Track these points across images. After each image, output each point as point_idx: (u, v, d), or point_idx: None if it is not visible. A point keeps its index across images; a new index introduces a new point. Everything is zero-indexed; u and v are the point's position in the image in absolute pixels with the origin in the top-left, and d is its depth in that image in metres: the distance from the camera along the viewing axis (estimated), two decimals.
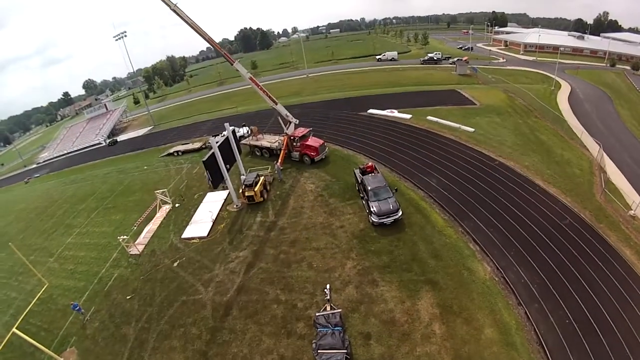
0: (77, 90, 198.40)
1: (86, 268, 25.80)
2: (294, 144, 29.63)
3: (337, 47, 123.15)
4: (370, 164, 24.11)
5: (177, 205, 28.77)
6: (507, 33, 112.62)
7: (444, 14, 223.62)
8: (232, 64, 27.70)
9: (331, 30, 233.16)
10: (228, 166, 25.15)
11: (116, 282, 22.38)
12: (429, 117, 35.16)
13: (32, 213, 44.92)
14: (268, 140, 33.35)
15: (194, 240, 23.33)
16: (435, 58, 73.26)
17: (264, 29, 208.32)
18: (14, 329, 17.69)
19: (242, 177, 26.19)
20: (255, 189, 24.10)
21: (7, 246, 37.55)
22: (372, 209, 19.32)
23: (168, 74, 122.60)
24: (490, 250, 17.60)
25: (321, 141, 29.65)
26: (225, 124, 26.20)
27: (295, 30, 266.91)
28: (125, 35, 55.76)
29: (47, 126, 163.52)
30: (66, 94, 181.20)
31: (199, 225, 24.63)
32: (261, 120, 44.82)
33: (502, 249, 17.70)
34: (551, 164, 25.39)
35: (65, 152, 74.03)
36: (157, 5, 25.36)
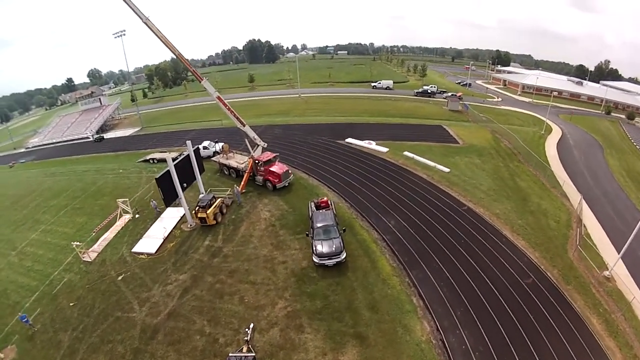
0: (81, 78, 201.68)
1: (41, 267, 27.22)
2: (258, 167, 30.92)
3: (338, 69, 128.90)
4: (324, 199, 25.11)
5: (137, 216, 30.22)
6: (508, 72, 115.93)
7: (450, 47, 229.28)
8: (200, 81, 29.43)
9: (338, 52, 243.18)
10: (185, 184, 26.56)
11: (64, 287, 23.84)
12: (406, 153, 36.24)
13: (8, 201, 46.26)
14: (237, 161, 34.85)
15: (142, 256, 24.82)
16: (429, 91, 75.87)
17: (274, 42, 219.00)
18: None
19: (201, 196, 27.56)
20: (208, 212, 25.57)
21: None
22: (313, 249, 20.01)
23: (170, 75, 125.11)
24: (434, 306, 16.90)
25: (286, 168, 30.95)
26: (187, 142, 27.87)
27: (304, 47, 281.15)
28: (124, 34, 58.16)
29: (46, 109, 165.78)
30: (70, 80, 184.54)
31: (151, 240, 26.15)
32: (241, 137, 46.72)
33: (449, 306, 16.85)
34: (525, 213, 24.78)
35: (54, 141, 75.90)
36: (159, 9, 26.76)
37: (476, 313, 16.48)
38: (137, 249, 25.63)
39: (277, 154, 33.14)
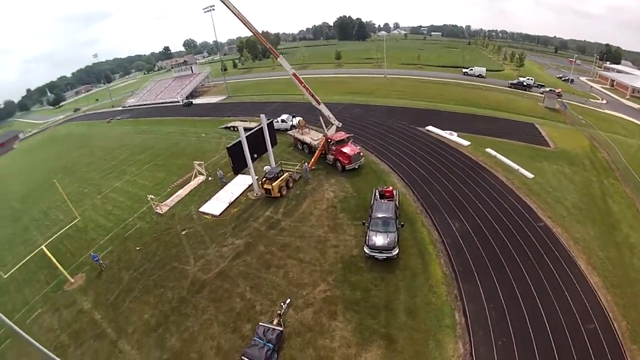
0: (177, 47, 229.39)
1: (119, 212, 31.85)
2: (330, 146, 30.84)
3: (429, 51, 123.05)
4: (390, 188, 23.79)
5: (209, 178, 32.98)
6: (617, 72, 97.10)
7: (555, 36, 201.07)
8: (277, 58, 30.14)
9: (432, 33, 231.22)
10: (255, 155, 28.00)
11: (134, 232, 27.53)
12: (488, 150, 32.72)
13: (102, 151, 55.07)
14: (311, 137, 35.14)
15: (207, 216, 26.92)
16: (525, 83, 69.10)
17: (366, 19, 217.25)
18: (42, 247, 23.25)
19: (266, 168, 28.88)
20: (274, 184, 26.39)
21: (74, 172, 47.40)
22: (367, 239, 19.42)
23: (260, 47, 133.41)
24: (475, 328, 15.63)
25: (358, 150, 30.18)
26: (261, 115, 28.89)
27: (396, 26, 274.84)
28: (213, 9, 63.94)
29: (144, 74, 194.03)
30: (166, 48, 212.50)
31: (217, 203, 28.16)
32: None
33: (491, 332, 15.47)
34: (608, 244, 21.08)
35: (148, 102, 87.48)
36: None
37: (519, 349, 14.74)
38: (203, 209, 27.93)
39: (351, 134, 32.26)
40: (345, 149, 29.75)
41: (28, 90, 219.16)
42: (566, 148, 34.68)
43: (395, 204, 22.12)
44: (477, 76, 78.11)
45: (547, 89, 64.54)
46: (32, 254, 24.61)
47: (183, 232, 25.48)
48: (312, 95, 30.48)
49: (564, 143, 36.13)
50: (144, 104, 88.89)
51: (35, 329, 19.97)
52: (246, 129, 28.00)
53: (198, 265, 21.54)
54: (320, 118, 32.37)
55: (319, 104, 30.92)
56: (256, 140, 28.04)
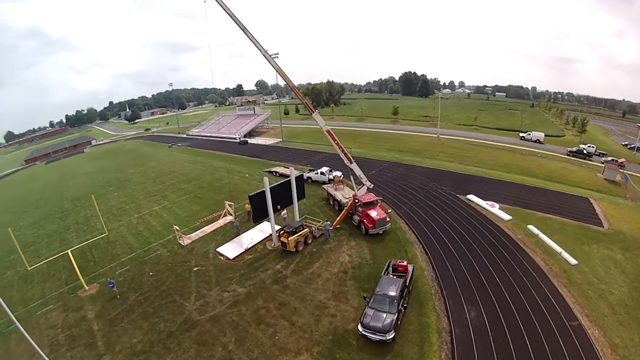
0: (250, 85, 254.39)
1: (147, 235, 35.46)
2: (357, 208, 31.78)
3: (489, 112, 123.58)
4: (405, 263, 23.37)
5: (237, 219, 35.38)
6: None
7: (624, 100, 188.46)
8: (312, 113, 32.83)
9: (496, 93, 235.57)
10: (279, 206, 29.96)
11: (154, 257, 30.72)
12: (530, 227, 30.93)
13: (154, 173, 61.44)
14: (343, 194, 36.55)
15: (221, 257, 29.09)
16: (585, 151, 65.67)
17: (432, 75, 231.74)
18: (68, 251, 26.84)
19: (283, 214, 30.73)
20: (290, 238, 27.88)
21: (124, 188, 53.27)
22: (362, 316, 19.30)
23: (325, 96, 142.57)
24: None
25: (384, 215, 30.65)
26: (291, 168, 31.40)
27: (461, 84, 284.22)
28: (278, 57, 71.12)
29: (215, 106, 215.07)
30: (239, 86, 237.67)
31: (234, 246, 30.38)
32: (362, 169, 49.11)
33: None
34: None
35: (209, 134, 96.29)
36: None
37: None
38: (220, 249, 30.27)
39: (381, 198, 33.18)
40: (372, 212, 30.40)
41: (110, 103, 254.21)
42: (622, 229, 31.68)
43: (406, 281, 21.67)
44: (535, 141, 76.71)
45: (609, 158, 60.31)
46: (57, 255, 28.30)
47: (195, 268, 27.70)
48: (345, 154, 32.32)
49: (621, 223, 33.14)
50: (206, 136, 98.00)
51: (42, 321, 23.48)
52: (282, 175, 29.89)
53: (196, 304, 23.26)
54: (352, 177, 33.78)
55: (351, 162, 32.76)
56: (282, 191, 30.18)
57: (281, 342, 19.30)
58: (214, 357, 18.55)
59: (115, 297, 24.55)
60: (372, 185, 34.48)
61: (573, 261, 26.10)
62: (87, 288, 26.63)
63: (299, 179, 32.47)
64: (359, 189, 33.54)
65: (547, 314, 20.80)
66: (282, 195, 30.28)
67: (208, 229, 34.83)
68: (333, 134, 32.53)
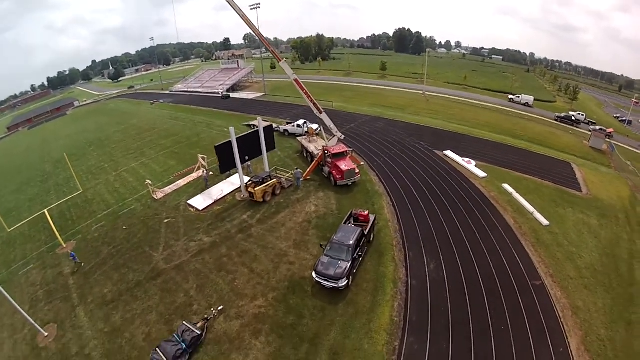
0: (237, 39, 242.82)
1: (123, 191, 36.23)
2: (326, 159, 31.76)
3: (481, 74, 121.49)
4: (366, 212, 23.51)
5: (210, 173, 35.56)
6: None
7: (622, 75, 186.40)
8: (279, 62, 31.92)
9: (493, 56, 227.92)
10: (247, 157, 30.03)
11: (128, 212, 31.54)
12: (505, 185, 30.86)
13: (135, 131, 60.77)
14: (316, 146, 36.42)
15: (191, 209, 29.69)
16: (574, 118, 66.14)
17: (427, 34, 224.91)
18: (45, 210, 27.22)
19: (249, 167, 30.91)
20: (257, 189, 28.25)
21: (104, 147, 52.98)
22: (316, 263, 19.67)
23: (314, 50, 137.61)
24: None
25: (354, 166, 30.65)
26: (258, 118, 31.05)
27: (458, 44, 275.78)
28: (259, 7, 67.75)
29: (202, 61, 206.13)
30: (227, 40, 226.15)
31: (205, 197, 30.93)
32: (342, 123, 48.47)
33: None
34: (619, 321, 17.86)
35: (192, 90, 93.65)
36: None
37: None
38: (191, 201, 30.81)
39: (352, 149, 33.19)
40: (340, 163, 30.36)
41: (93, 62, 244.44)
42: (601, 195, 31.61)
43: (364, 231, 21.59)
44: (524, 105, 76.07)
45: (597, 127, 60.50)
46: (34, 215, 28.85)
47: (165, 221, 28.43)
48: (314, 104, 31.87)
49: (600, 190, 33.09)
50: (189, 91, 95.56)
51: (23, 280, 24.53)
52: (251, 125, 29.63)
53: (164, 254, 24.21)
54: (322, 128, 33.54)
55: (321, 112, 32.43)
56: (251, 143, 30.09)
57: (239, 288, 20.20)
58: (176, 303, 19.63)
59: (81, 266, 24.38)
60: (343, 137, 34.33)
61: (545, 222, 25.82)
62: (64, 246, 27.45)
63: (268, 129, 32.12)
64: (330, 139, 33.34)
65: (510, 271, 20.67)
66: (250, 146, 30.15)
67: (182, 182, 35.28)
68: (301, 83, 31.87)
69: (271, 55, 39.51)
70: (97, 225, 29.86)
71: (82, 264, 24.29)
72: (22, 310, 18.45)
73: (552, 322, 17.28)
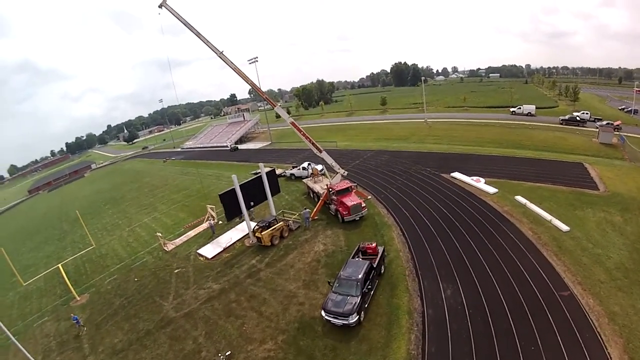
0: (243, 94, 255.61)
1: (136, 245, 37.03)
2: (331, 196, 32.29)
3: (480, 93, 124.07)
4: (373, 244, 23.39)
5: (219, 222, 36.31)
6: None
7: (620, 67, 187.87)
8: (273, 107, 33.89)
9: (490, 75, 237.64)
10: (252, 203, 30.87)
11: (139, 265, 32.28)
12: (518, 197, 30.19)
13: (148, 188, 63.03)
14: (321, 185, 36.98)
15: (201, 258, 30.23)
16: (578, 118, 65.78)
17: (423, 65, 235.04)
18: (59, 265, 28.20)
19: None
20: (264, 233, 28.75)
21: (119, 204, 54.62)
22: (325, 301, 19.45)
23: (316, 95, 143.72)
24: None
25: (360, 201, 30.97)
26: (260, 164, 32.24)
27: (454, 70, 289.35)
28: (257, 61, 73.86)
29: (211, 118, 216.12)
30: (233, 95, 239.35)
31: (214, 246, 31.48)
32: (347, 160, 49.96)
33: None
34: None
35: (202, 145, 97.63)
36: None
37: None
38: (201, 250, 31.43)
39: (355, 183, 33.73)
40: (346, 200, 30.76)
41: (109, 126, 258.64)
42: (619, 190, 30.32)
43: (372, 264, 21.21)
44: (527, 115, 76.24)
45: (604, 122, 59.21)
46: (49, 270, 29.75)
47: (176, 271, 28.94)
48: (313, 144, 33.05)
49: (618, 185, 31.81)
50: (199, 147, 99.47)
51: (37, 332, 25.22)
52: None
53: (174, 303, 24.45)
54: (325, 167, 34.33)
55: (320, 152, 33.36)
56: (254, 188, 31.11)
57: (248, 332, 19.97)
58: (184, 350, 19.52)
59: (83, 329, 23.78)
60: (346, 173, 35.02)
61: (564, 228, 24.82)
62: (78, 298, 28.17)
63: (271, 174, 33.26)
64: (334, 177, 34.12)
65: (534, 285, 19.47)
66: (254, 192, 31.15)
67: (192, 233, 36.10)
68: (298, 125, 33.25)
69: (285, 103, 41.67)
70: (110, 279, 30.62)
71: (85, 328, 23.82)
72: None
73: (587, 333, 15.86)
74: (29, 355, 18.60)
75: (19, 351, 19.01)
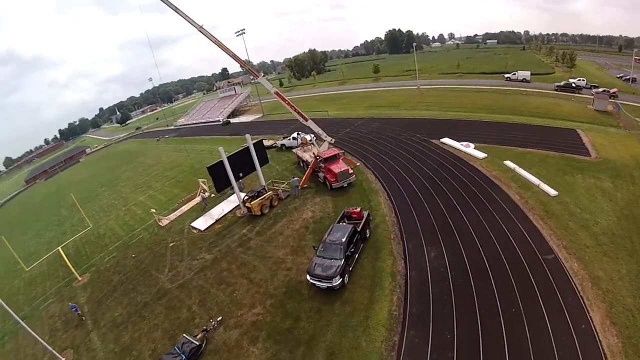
0: (236, 67, 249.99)
1: (132, 223, 37.92)
2: (319, 164, 32.63)
3: (476, 60, 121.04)
4: (357, 209, 23.90)
5: (212, 195, 36.84)
6: None
7: (620, 35, 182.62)
8: (256, 77, 33.45)
9: (487, 41, 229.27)
10: (241, 174, 31.25)
11: (136, 242, 33.21)
12: (507, 162, 30.36)
13: (142, 167, 63.33)
14: (310, 154, 37.27)
15: (194, 231, 31.01)
16: (574, 85, 65.07)
17: (419, 31, 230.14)
18: (59, 248, 28.98)
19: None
20: (253, 202, 29.35)
21: (114, 186, 55.23)
22: (310, 265, 20.04)
23: (308, 65, 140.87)
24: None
25: (347, 167, 31.22)
26: (247, 136, 32.32)
27: (451, 36, 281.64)
28: (244, 33, 72.15)
29: (204, 94, 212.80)
30: (224, 69, 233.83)
31: (206, 218, 32.26)
32: (337, 129, 49.88)
33: None
34: None
35: (194, 122, 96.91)
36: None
37: None
38: (194, 223, 32.25)
39: (342, 150, 33.99)
40: (333, 167, 31.11)
41: (100, 109, 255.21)
42: (611, 157, 30.42)
43: (356, 228, 21.75)
44: (521, 81, 75.33)
45: (600, 90, 58.80)
46: (49, 254, 30.59)
47: (170, 244, 29.84)
48: (298, 113, 33.08)
49: (610, 151, 31.89)
50: (191, 124, 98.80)
51: (44, 314, 26.15)
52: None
53: (169, 275, 25.44)
54: (313, 135, 34.39)
55: (306, 120, 33.51)
56: (242, 160, 31.43)
57: (239, 298, 20.91)
58: (179, 319, 20.56)
59: (82, 319, 23.56)
60: (333, 140, 35.15)
61: (553, 192, 24.92)
62: (80, 279, 29.24)
63: (259, 144, 33.41)
64: (321, 145, 34.23)
65: (518, 249, 19.54)
66: (243, 163, 31.46)
67: (185, 208, 36.92)
68: (282, 95, 33.29)
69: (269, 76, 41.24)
70: (109, 257, 31.61)
71: (84, 318, 23.59)
72: (41, 340, 19.72)
73: (570, 297, 15.92)
74: (36, 336, 19.38)
75: (28, 334, 19.94)
